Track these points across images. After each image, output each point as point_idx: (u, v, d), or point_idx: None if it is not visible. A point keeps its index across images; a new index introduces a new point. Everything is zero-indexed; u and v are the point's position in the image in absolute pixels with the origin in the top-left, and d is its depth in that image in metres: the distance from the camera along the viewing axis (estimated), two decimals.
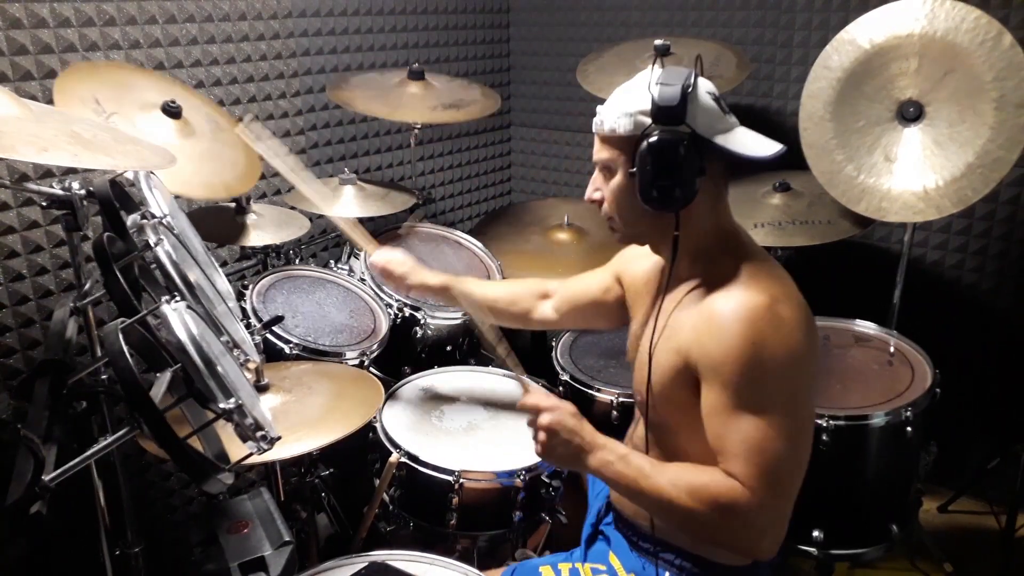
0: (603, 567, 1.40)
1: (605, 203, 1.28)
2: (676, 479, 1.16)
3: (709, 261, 1.24)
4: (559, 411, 1.26)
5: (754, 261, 1.21)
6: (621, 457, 1.22)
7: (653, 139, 1.14)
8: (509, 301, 1.69)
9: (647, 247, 1.35)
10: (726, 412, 1.13)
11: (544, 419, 1.26)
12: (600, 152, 1.26)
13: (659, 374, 1.26)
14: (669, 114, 1.14)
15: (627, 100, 1.19)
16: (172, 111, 1.77)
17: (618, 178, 1.24)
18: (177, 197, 2.06)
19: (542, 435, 1.26)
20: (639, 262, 1.46)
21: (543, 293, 1.69)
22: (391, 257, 1.73)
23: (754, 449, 1.10)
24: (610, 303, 1.56)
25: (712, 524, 1.14)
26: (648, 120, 1.16)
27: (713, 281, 1.21)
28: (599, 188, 1.28)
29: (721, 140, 1.17)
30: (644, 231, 1.29)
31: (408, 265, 1.72)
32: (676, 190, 1.16)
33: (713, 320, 1.16)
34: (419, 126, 2.54)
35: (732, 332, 1.12)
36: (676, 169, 1.15)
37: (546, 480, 1.63)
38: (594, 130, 1.26)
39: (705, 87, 1.20)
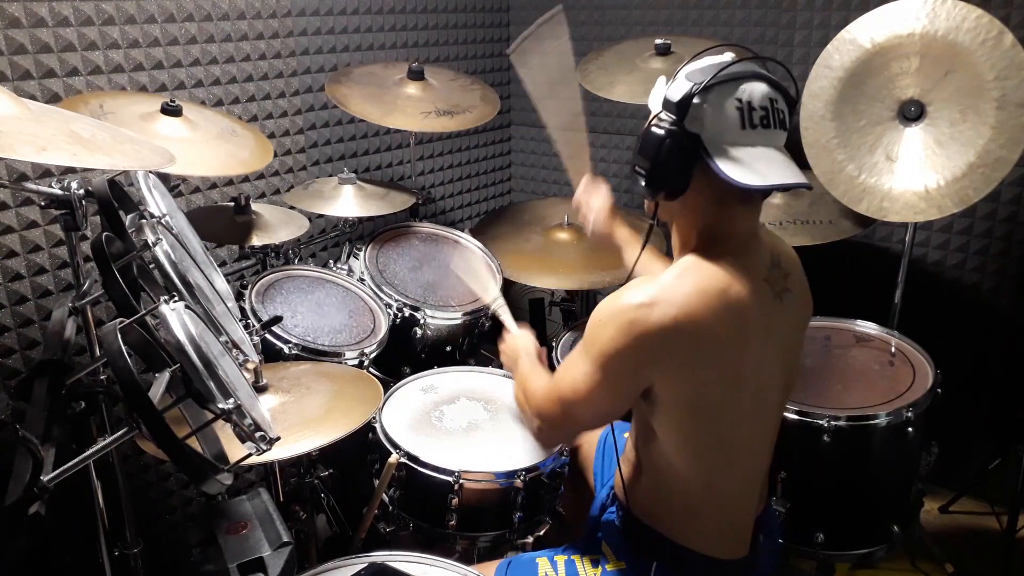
0: (597, 556, 1.41)
1: None
2: (522, 380, 1.48)
3: (682, 254, 1.26)
4: (509, 338, 1.64)
5: (690, 265, 1.19)
6: (518, 360, 1.55)
7: (651, 125, 1.19)
8: None
9: None
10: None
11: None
12: None
13: None
14: (671, 109, 1.17)
15: (664, 81, 1.22)
16: (172, 110, 1.77)
17: None
18: (177, 191, 2.07)
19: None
20: None
21: None
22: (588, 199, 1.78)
23: (558, 373, 1.33)
24: None
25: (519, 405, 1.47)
26: (659, 107, 1.20)
27: None
28: None
29: (716, 151, 1.14)
30: (654, 208, 1.31)
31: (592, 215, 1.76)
32: (652, 179, 1.20)
33: None
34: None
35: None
36: (656, 160, 1.18)
37: (546, 480, 1.63)
38: None
39: (741, 94, 1.14)
